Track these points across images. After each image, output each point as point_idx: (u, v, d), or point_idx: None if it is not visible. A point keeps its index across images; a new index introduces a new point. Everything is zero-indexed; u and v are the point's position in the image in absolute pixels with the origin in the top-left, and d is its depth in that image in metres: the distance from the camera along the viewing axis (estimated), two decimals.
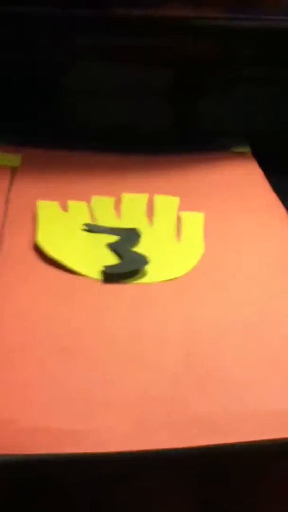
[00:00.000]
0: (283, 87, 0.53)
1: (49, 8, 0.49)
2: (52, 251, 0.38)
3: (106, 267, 0.37)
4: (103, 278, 0.37)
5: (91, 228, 0.41)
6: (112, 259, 0.38)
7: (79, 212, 0.43)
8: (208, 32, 0.50)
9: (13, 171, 0.47)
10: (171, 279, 0.37)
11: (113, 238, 0.40)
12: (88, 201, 0.44)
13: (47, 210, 0.43)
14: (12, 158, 0.49)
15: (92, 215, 0.43)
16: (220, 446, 0.27)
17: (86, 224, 0.42)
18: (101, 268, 0.37)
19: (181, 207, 0.45)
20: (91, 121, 0.54)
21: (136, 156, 0.50)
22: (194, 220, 0.43)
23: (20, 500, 0.28)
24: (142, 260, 0.38)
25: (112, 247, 0.39)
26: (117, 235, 0.41)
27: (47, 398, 0.28)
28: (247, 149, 0.52)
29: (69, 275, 0.37)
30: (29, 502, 0.28)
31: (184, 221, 0.43)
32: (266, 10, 0.50)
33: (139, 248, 0.40)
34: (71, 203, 0.44)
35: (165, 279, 0.37)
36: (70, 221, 0.42)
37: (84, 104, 0.53)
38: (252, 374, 0.30)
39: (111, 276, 0.37)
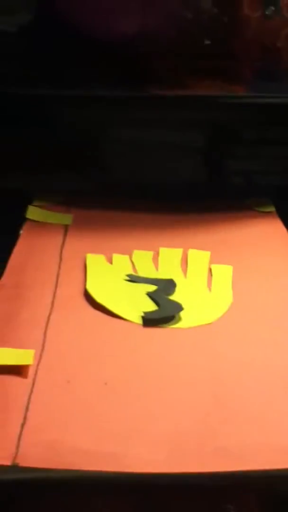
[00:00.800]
0: None
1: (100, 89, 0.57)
2: (99, 298, 0.44)
3: (146, 313, 0.43)
4: (143, 322, 0.42)
5: (133, 279, 0.47)
6: (151, 306, 0.44)
7: (122, 264, 0.49)
8: (233, 107, 0.57)
9: (66, 228, 0.54)
10: (202, 325, 0.42)
11: (152, 288, 0.46)
12: (130, 254, 0.51)
13: (95, 262, 0.49)
14: (65, 217, 0.56)
15: (133, 267, 0.49)
16: (244, 472, 0.31)
17: (129, 275, 0.48)
18: (141, 314, 0.43)
19: (212, 261, 0.50)
20: (134, 181, 0.61)
21: (170, 215, 0.57)
22: (224, 272, 0.49)
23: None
24: (177, 307, 0.43)
25: (151, 295, 0.45)
26: (156, 285, 0.46)
27: (89, 424, 0.33)
28: (271, 209, 0.58)
29: (114, 319, 0.42)
30: None
31: (215, 273, 0.48)
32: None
33: (175, 297, 0.45)
34: (115, 256, 0.50)
35: (197, 324, 0.42)
36: (115, 272, 0.48)
37: (127, 168, 0.61)
38: (273, 410, 0.35)
39: (149, 321, 0.42)
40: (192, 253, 0.51)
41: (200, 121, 0.60)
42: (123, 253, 0.51)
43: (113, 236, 0.54)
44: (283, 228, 0.55)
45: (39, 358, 0.38)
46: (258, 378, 0.37)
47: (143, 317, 0.42)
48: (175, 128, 0.60)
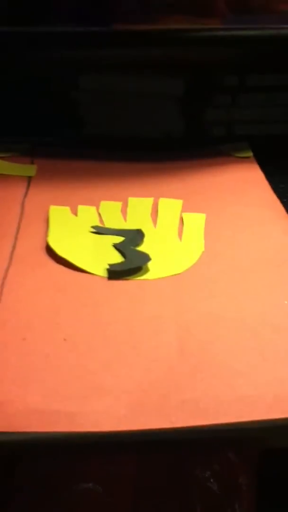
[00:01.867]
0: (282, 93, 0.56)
1: (62, 26, 0.52)
2: (61, 251, 0.41)
3: (111, 265, 0.40)
4: (107, 275, 0.39)
5: (99, 230, 0.44)
6: (117, 258, 0.41)
7: (88, 215, 0.46)
8: (208, 42, 0.53)
9: (29, 180, 0.51)
10: (171, 276, 0.40)
11: (119, 239, 0.43)
12: (97, 206, 0.47)
13: (59, 214, 0.46)
14: (28, 168, 0.52)
15: (100, 219, 0.46)
16: (206, 426, 0.29)
17: (94, 227, 0.45)
18: (107, 266, 0.40)
19: (184, 209, 0.47)
20: (102, 129, 0.57)
21: (142, 163, 0.53)
22: (196, 221, 0.46)
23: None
24: (144, 258, 0.41)
25: (117, 246, 0.42)
26: (123, 236, 0.44)
27: (44, 383, 0.31)
28: (249, 154, 0.55)
29: (77, 274, 0.40)
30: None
31: (186, 222, 0.46)
32: (265, 18, 0.52)
33: (143, 248, 0.42)
34: (81, 208, 0.47)
35: (165, 275, 0.40)
36: (80, 224, 0.45)
37: (94, 114, 0.57)
38: (241, 362, 0.33)
39: (114, 273, 0.39)
40: (163, 202, 0.48)
41: (175, 63, 0.55)
42: (89, 204, 0.48)
43: (80, 188, 0.50)
44: (261, 174, 0.52)
45: None
46: (227, 330, 0.35)
47: (107, 270, 0.40)
48: (149, 73, 0.56)
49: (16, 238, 0.43)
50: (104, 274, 0.40)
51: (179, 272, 0.40)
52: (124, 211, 0.47)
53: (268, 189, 0.50)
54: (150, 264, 0.40)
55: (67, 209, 0.47)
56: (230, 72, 0.55)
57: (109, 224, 0.45)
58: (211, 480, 0.34)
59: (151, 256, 0.41)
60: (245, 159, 0.54)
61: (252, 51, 0.53)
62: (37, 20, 0.51)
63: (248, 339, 0.34)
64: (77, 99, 0.56)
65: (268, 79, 0.56)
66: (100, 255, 0.41)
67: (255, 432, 0.30)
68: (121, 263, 0.40)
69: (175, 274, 0.40)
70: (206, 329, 0.35)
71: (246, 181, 0.51)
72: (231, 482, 0.35)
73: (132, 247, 0.42)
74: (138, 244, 0.43)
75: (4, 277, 0.39)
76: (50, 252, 0.42)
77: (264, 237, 0.44)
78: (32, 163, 0.53)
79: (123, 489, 0.34)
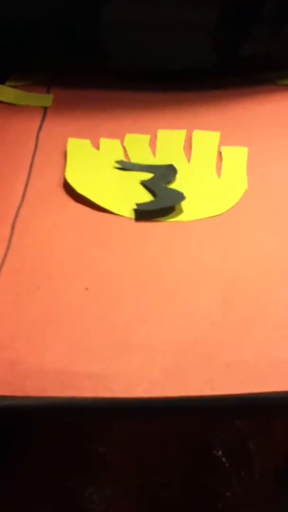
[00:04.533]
0: None
1: None
2: (81, 188, 0.36)
3: (138, 204, 0.34)
4: (135, 215, 0.34)
5: (124, 166, 0.38)
6: (145, 197, 0.36)
7: (111, 149, 0.40)
8: None
9: (45, 111, 0.45)
10: (209, 217, 0.34)
11: (148, 176, 0.37)
12: (122, 139, 0.41)
13: (78, 147, 0.40)
14: (44, 98, 0.46)
15: (125, 153, 0.40)
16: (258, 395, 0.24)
17: (118, 162, 0.39)
18: (133, 206, 0.34)
19: (222, 142, 0.41)
20: (130, 61, 0.50)
21: (173, 93, 0.46)
22: (237, 155, 0.39)
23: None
24: (178, 196, 0.35)
25: (146, 184, 0.36)
26: (152, 172, 0.38)
27: (63, 339, 0.26)
28: None
29: (99, 214, 0.34)
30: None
31: (226, 157, 0.39)
32: None
33: (176, 185, 0.37)
34: (103, 141, 0.41)
35: (202, 217, 0.34)
36: (102, 159, 0.39)
37: (121, 46, 0.50)
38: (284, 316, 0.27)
39: (143, 213, 0.34)
40: (198, 134, 0.42)
41: None
42: (113, 137, 0.41)
43: (102, 119, 0.44)
44: None
45: (3, 257, 0.30)
46: (274, 280, 0.29)
47: (135, 210, 0.34)
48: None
49: (29, 175, 0.37)
50: (131, 214, 0.34)
51: (218, 213, 0.34)
52: (153, 145, 0.41)
53: None
54: (184, 204, 0.35)
55: (87, 142, 0.41)
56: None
57: (136, 159, 0.39)
58: (218, 447, 0.30)
59: (185, 194, 0.35)
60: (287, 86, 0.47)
61: None
62: None
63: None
64: (102, 29, 0.49)
65: None
66: (126, 193, 0.36)
67: None
68: (151, 202, 0.35)
69: (214, 216, 0.34)
70: (251, 280, 0.29)
71: None
72: (238, 449, 0.30)
73: (163, 185, 0.36)
74: (170, 181, 0.37)
75: (15, 218, 0.33)
76: (68, 189, 0.36)
77: None
78: (48, 92, 0.47)
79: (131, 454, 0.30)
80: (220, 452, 0.30)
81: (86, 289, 0.29)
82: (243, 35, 0.50)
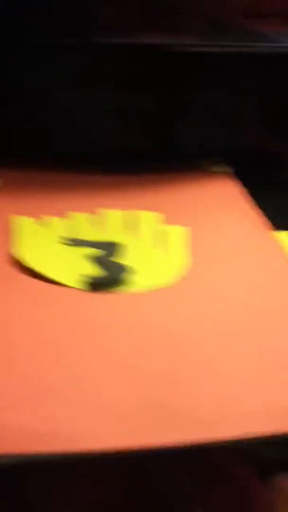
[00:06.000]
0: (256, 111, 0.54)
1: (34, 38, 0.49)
2: (30, 261, 0.35)
3: (93, 277, 0.35)
4: (88, 287, 0.34)
5: (71, 242, 0.39)
6: (95, 270, 0.36)
7: (57, 226, 0.41)
8: (184, 58, 0.51)
9: None
10: (158, 289, 0.35)
11: (95, 252, 0.38)
12: (66, 217, 0.42)
13: (24, 225, 0.40)
14: None
15: (71, 230, 0.41)
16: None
17: (66, 238, 0.39)
18: (82, 278, 0.35)
19: (165, 222, 0.43)
20: (71, 144, 0.53)
21: (112, 176, 0.49)
22: (179, 234, 0.41)
23: None
24: (127, 270, 0.36)
25: (95, 259, 0.37)
26: (99, 248, 0.39)
27: (36, 404, 0.25)
28: (226, 168, 0.52)
29: (51, 286, 0.34)
30: None
31: (170, 234, 0.41)
32: (240, 37, 0.51)
33: (124, 261, 0.38)
34: (47, 219, 0.42)
35: (151, 288, 0.35)
36: (48, 235, 0.40)
37: (63, 128, 0.53)
38: (236, 374, 0.29)
39: (96, 285, 0.34)
40: (141, 214, 0.44)
41: (147, 78, 0.52)
42: (58, 216, 0.42)
43: (47, 200, 0.45)
44: (239, 186, 0.49)
45: None
46: (225, 341, 0.30)
47: (86, 281, 0.34)
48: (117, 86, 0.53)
49: None
50: (82, 286, 0.34)
51: (166, 285, 0.35)
52: (97, 223, 0.42)
53: (248, 201, 0.47)
54: (133, 276, 0.36)
55: (31, 220, 0.41)
56: (200, 89, 0.54)
57: (82, 235, 0.40)
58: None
59: (134, 268, 0.36)
60: (222, 173, 0.51)
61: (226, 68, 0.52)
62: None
63: (249, 350, 0.30)
64: (45, 113, 0.52)
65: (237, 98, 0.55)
66: (75, 266, 0.36)
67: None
68: (101, 276, 0.35)
69: (162, 287, 0.35)
70: (199, 344, 0.30)
71: (225, 194, 0.48)
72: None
73: (111, 259, 0.37)
74: (118, 257, 0.38)
75: None
76: (17, 264, 0.36)
77: (250, 250, 0.40)
78: None
79: None
80: None
81: (51, 358, 0.28)
82: (177, 122, 0.55)
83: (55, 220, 0.41)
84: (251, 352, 0.30)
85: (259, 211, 0.45)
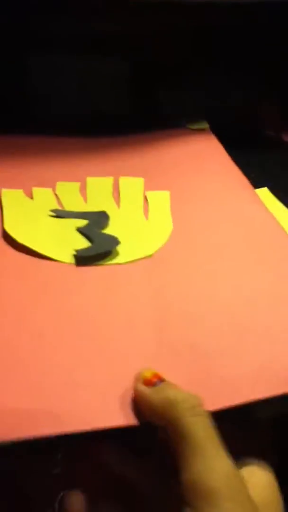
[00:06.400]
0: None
1: None
2: (20, 238, 0.38)
3: (78, 250, 0.37)
4: (75, 261, 0.37)
5: (59, 214, 0.41)
6: (82, 242, 0.38)
7: (45, 198, 0.43)
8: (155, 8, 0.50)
9: None
10: (142, 258, 0.37)
11: (82, 222, 0.40)
12: (53, 187, 0.44)
13: (12, 198, 0.42)
14: None
15: (58, 201, 0.43)
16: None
17: (53, 210, 0.41)
18: (72, 252, 0.37)
19: (146, 187, 0.45)
20: (51, 108, 0.53)
21: (96, 138, 0.50)
22: (161, 199, 0.43)
23: None
24: (113, 241, 0.38)
25: (82, 230, 0.39)
26: (86, 219, 0.41)
27: (16, 381, 0.28)
28: (205, 125, 0.53)
29: (40, 261, 0.37)
30: None
31: (151, 201, 0.43)
32: None
33: (109, 230, 0.40)
34: (36, 190, 0.43)
35: (136, 258, 0.37)
36: (37, 208, 0.42)
37: (44, 93, 0.53)
38: (220, 344, 0.31)
39: (83, 259, 0.37)
40: (124, 181, 0.45)
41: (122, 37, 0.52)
42: (44, 185, 0.44)
43: (32, 167, 0.46)
44: (217, 143, 0.50)
45: None
46: (204, 311, 0.33)
47: (75, 255, 0.37)
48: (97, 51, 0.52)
49: None
50: (71, 260, 0.37)
51: (150, 253, 0.38)
52: (83, 192, 0.44)
53: (227, 159, 0.48)
54: (119, 247, 0.38)
55: (20, 191, 0.43)
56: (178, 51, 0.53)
57: (69, 206, 0.42)
58: None
59: (119, 238, 0.38)
60: (200, 130, 0.52)
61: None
62: None
63: (226, 319, 0.33)
64: (24, 78, 0.52)
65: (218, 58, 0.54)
66: (64, 240, 0.38)
67: None
68: (89, 248, 0.38)
69: (146, 256, 0.38)
70: (183, 312, 0.33)
71: (205, 153, 0.50)
72: None
73: (98, 231, 0.39)
74: (103, 227, 0.40)
75: None
76: (7, 239, 0.38)
77: (231, 210, 0.43)
78: None
79: None
80: None
81: (33, 334, 0.31)
82: (156, 85, 0.55)
83: (44, 192, 0.43)
84: (231, 322, 0.32)
85: (238, 170, 0.47)
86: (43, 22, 0.50)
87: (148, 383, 0.28)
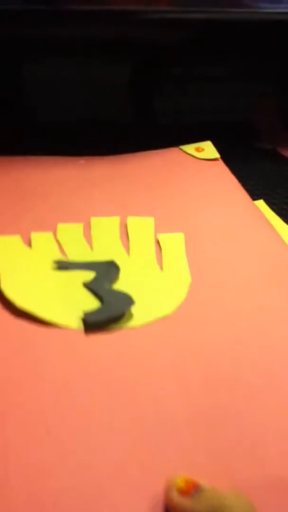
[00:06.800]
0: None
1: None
2: (20, 301, 0.33)
3: (86, 313, 0.33)
4: (83, 326, 0.32)
5: (62, 266, 0.36)
6: (91, 301, 0.34)
7: (45, 247, 0.38)
8: (157, 24, 0.46)
9: None
10: (159, 319, 0.33)
11: (89, 275, 0.36)
12: (54, 230, 0.39)
13: (8, 247, 0.37)
14: None
15: (60, 248, 0.38)
16: None
17: (56, 262, 0.37)
18: (80, 314, 0.33)
19: (157, 228, 0.40)
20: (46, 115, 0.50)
21: (98, 168, 0.46)
22: (174, 242, 0.39)
23: None
24: (126, 301, 0.33)
25: (90, 286, 0.35)
26: (93, 269, 0.36)
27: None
28: (215, 155, 0.49)
29: (44, 328, 0.32)
30: None
31: (164, 245, 0.39)
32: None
33: (120, 284, 0.35)
34: (34, 236, 0.39)
35: (153, 319, 0.33)
36: (37, 259, 0.37)
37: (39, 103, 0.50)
38: (268, 428, 0.27)
39: (92, 323, 0.32)
40: (132, 221, 0.41)
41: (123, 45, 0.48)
42: (44, 229, 0.39)
43: (29, 206, 0.42)
44: (232, 176, 0.46)
45: None
46: (235, 385, 0.29)
47: (83, 319, 0.32)
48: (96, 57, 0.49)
49: None
50: (78, 325, 0.32)
51: (168, 313, 0.34)
52: (87, 235, 0.40)
53: (241, 190, 0.44)
54: (133, 308, 0.33)
55: (17, 238, 0.38)
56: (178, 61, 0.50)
57: (73, 255, 0.38)
58: None
59: (132, 295, 0.34)
60: (210, 160, 0.48)
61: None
62: None
63: (264, 388, 0.29)
64: (20, 87, 0.48)
65: (215, 70, 0.52)
66: (69, 300, 0.34)
67: None
68: (99, 310, 0.33)
69: (164, 316, 0.33)
70: (209, 389, 0.29)
71: (218, 186, 0.45)
72: None
73: (107, 287, 0.35)
74: (113, 281, 0.35)
75: None
76: (4, 302, 0.33)
77: (252, 251, 0.38)
78: None
79: None
80: None
81: (46, 427, 0.27)
82: (154, 94, 0.52)
83: (43, 237, 0.39)
84: (264, 389, 0.29)
85: (250, 199, 0.43)
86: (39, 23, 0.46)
87: (184, 493, 0.24)
